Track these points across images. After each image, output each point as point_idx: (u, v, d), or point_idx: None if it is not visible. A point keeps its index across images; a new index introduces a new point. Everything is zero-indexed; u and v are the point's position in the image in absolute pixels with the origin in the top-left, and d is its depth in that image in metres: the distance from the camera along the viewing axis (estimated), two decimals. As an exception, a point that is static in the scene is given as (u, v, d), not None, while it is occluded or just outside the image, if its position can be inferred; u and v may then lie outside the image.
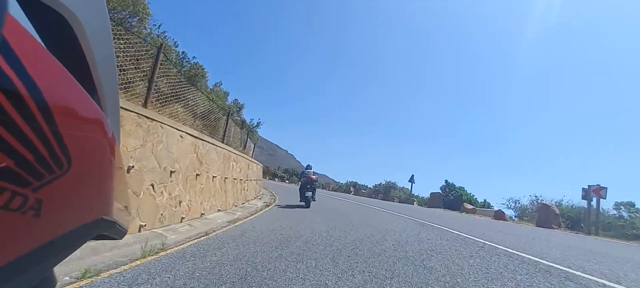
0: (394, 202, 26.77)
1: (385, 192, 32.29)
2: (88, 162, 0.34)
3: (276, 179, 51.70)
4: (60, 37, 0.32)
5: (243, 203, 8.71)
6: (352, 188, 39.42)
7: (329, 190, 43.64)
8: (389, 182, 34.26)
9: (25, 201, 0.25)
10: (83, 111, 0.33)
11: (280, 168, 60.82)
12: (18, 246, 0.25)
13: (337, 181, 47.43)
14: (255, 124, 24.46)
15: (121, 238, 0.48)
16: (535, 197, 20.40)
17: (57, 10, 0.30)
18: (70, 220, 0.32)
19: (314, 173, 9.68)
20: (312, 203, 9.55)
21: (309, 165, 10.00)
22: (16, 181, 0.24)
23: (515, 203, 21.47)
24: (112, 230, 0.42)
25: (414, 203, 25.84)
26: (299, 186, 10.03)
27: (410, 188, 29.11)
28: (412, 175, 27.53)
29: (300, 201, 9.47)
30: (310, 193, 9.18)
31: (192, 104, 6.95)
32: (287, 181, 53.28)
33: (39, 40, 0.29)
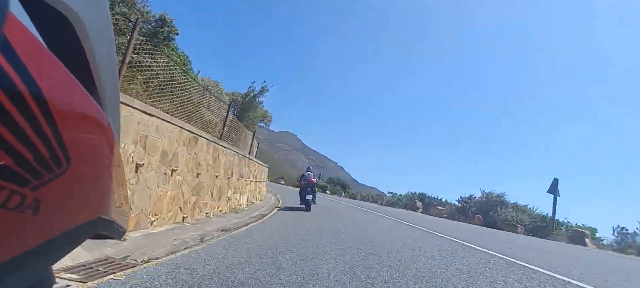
0: (516, 232, 14.46)
1: (485, 211, 19.69)
2: (87, 161, 0.34)
3: (316, 189, 42.41)
4: (61, 35, 0.32)
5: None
6: (418, 203, 27.29)
7: (381, 204, 32.10)
8: (491, 193, 20.26)
9: (24, 200, 0.25)
10: (83, 110, 0.33)
11: (321, 177, 51.15)
12: (16, 244, 0.26)
13: (396, 193, 35.36)
14: (259, 89, 15.40)
15: (120, 238, 0.47)
16: None
17: (58, 8, 0.30)
18: (69, 219, 0.32)
19: (314, 176, 9.62)
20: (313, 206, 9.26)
21: (309, 167, 10.15)
22: (15, 180, 0.24)
23: None
24: (110, 229, 0.42)
25: (587, 242, 12.47)
26: (299, 189, 9.69)
27: (552, 207, 14.52)
28: (556, 181, 14.44)
29: (301, 204, 9.21)
30: (311, 196, 9.01)
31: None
32: (328, 192, 43.58)
33: (40, 38, 0.28)
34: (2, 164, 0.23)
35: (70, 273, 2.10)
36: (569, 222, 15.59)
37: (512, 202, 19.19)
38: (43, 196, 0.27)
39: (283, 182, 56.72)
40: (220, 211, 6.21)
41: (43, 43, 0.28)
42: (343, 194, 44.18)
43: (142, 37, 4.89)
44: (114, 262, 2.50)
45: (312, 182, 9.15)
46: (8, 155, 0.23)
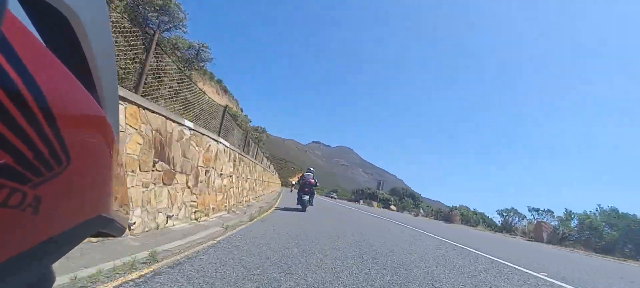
0: None
1: None
2: (87, 159, 0.34)
3: (376, 204, 33.63)
4: (60, 34, 0.32)
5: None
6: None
7: (532, 238, 17.10)
8: None
9: (24, 198, 0.25)
10: (82, 108, 0.33)
11: (382, 186, 41.89)
12: (17, 243, 0.26)
13: (572, 211, 17.87)
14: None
15: (120, 236, 0.48)
16: None
17: (56, 7, 0.29)
18: (69, 218, 0.32)
19: (314, 177, 9.69)
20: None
21: (310, 168, 10.09)
22: (15, 178, 0.24)
23: None
24: (110, 227, 0.42)
25: None
26: (297, 190, 10.10)
27: None
28: None
29: (297, 204, 9.57)
30: (308, 196, 9.28)
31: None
32: (393, 207, 34.00)
33: (38, 37, 0.28)
34: (2, 163, 0.22)
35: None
36: None
37: None
38: (43, 194, 0.26)
39: (335, 196, 48.98)
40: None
41: (41, 41, 0.28)
42: (416, 211, 30.69)
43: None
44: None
45: (309, 183, 9.36)
46: (8, 153, 0.23)
